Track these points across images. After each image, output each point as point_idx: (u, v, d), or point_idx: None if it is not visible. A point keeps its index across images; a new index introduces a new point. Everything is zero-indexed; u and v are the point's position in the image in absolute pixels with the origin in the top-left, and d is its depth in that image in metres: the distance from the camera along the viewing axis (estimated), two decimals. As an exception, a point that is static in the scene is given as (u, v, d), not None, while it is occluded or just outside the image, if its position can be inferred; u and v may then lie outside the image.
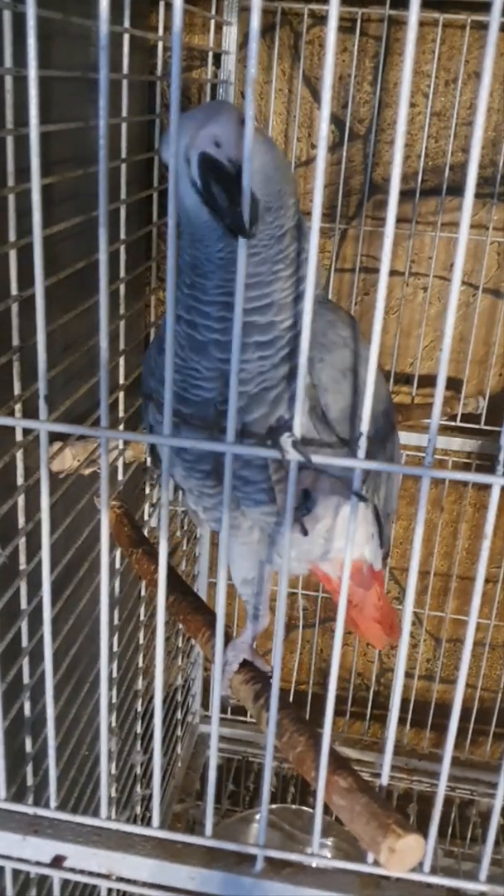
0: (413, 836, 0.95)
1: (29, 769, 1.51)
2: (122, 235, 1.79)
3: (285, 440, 0.83)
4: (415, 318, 2.54)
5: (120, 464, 1.90)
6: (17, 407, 1.39)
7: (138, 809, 2.35)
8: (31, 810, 1.07)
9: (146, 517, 2.21)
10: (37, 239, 0.81)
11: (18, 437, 1.39)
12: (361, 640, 2.91)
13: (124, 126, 1.76)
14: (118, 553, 1.85)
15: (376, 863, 0.97)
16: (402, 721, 2.87)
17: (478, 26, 2.25)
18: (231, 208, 0.98)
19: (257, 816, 2.66)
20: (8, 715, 1.33)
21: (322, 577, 1.51)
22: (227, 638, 1.36)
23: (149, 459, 1.34)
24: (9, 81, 1.26)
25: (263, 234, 1.09)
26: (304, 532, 1.16)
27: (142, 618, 2.20)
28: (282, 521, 1.24)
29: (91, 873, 1.03)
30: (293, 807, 2.74)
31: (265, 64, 2.35)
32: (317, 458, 0.84)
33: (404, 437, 2.47)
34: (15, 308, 1.34)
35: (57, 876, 1.12)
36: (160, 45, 2.00)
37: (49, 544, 0.94)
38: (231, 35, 2.28)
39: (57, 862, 1.03)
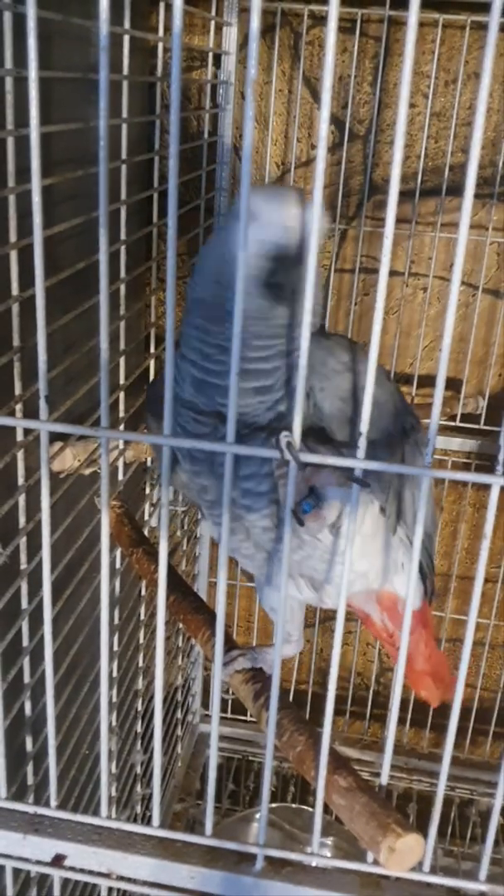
0: (413, 835, 0.95)
1: (29, 768, 1.51)
2: (123, 236, 1.79)
3: (282, 440, 0.84)
4: (414, 318, 2.54)
5: (120, 464, 1.90)
6: (18, 407, 1.39)
7: (138, 809, 2.35)
8: (31, 809, 1.07)
9: (146, 517, 2.21)
10: (37, 240, 0.81)
11: (19, 437, 1.39)
12: (361, 640, 2.91)
13: (124, 127, 1.76)
14: (118, 553, 1.85)
15: (376, 862, 0.98)
16: (401, 721, 2.87)
17: (477, 27, 2.25)
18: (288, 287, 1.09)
19: (257, 816, 2.67)
20: (8, 714, 1.33)
21: (362, 616, 1.45)
22: (228, 637, 1.36)
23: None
24: (9, 82, 1.26)
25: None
26: (301, 523, 1.15)
27: (142, 617, 2.20)
28: (280, 536, 1.23)
29: (91, 872, 1.04)
30: (293, 806, 2.74)
31: (265, 64, 2.36)
32: (313, 458, 0.85)
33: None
34: (16, 308, 1.34)
35: (57, 875, 1.12)
36: (160, 45, 2.00)
37: (49, 544, 0.94)
38: (231, 36, 2.28)
39: (57, 861, 1.03)
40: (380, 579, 1.31)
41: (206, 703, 2.99)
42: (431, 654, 1.49)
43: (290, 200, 1.08)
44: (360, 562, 1.27)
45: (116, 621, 1.97)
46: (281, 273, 1.09)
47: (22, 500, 1.43)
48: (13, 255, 1.32)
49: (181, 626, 1.57)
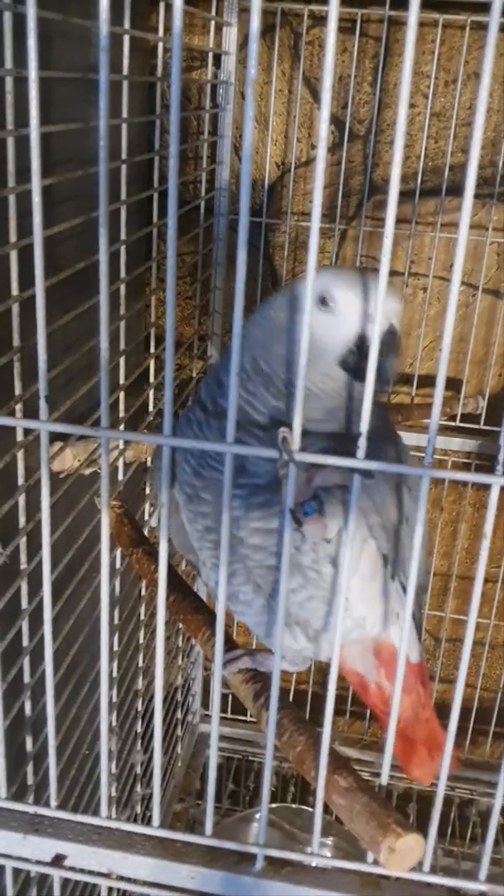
0: (413, 835, 0.95)
1: (29, 768, 1.51)
2: (123, 236, 1.79)
3: (279, 435, 0.84)
4: (414, 318, 2.54)
5: (120, 464, 1.90)
6: (18, 407, 1.39)
7: (138, 809, 2.35)
8: (31, 809, 1.07)
9: (146, 517, 2.21)
10: (37, 239, 0.81)
11: (19, 437, 1.39)
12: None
13: (124, 127, 1.76)
14: (118, 553, 1.85)
15: (376, 862, 0.97)
16: (401, 721, 2.87)
17: (477, 27, 2.25)
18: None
19: (257, 816, 2.67)
20: (8, 714, 1.33)
21: (355, 681, 1.35)
22: (228, 637, 1.35)
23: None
24: (9, 82, 1.26)
25: None
26: (299, 523, 1.14)
27: (142, 617, 2.20)
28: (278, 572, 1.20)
29: (91, 872, 1.04)
30: (293, 806, 2.74)
31: (265, 64, 2.36)
32: (308, 458, 0.84)
33: (404, 437, 2.46)
34: (16, 308, 1.34)
35: (57, 875, 1.12)
36: (160, 45, 2.00)
37: (49, 544, 0.94)
38: (231, 36, 2.28)
39: (57, 861, 1.03)
40: (378, 628, 1.24)
41: (206, 703, 2.99)
42: (430, 719, 1.36)
43: (370, 289, 1.09)
44: (358, 606, 1.21)
45: (116, 621, 1.97)
46: (359, 357, 1.11)
47: (22, 500, 1.43)
48: (13, 255, 1.32)
49: (181, 626, 1.57)
